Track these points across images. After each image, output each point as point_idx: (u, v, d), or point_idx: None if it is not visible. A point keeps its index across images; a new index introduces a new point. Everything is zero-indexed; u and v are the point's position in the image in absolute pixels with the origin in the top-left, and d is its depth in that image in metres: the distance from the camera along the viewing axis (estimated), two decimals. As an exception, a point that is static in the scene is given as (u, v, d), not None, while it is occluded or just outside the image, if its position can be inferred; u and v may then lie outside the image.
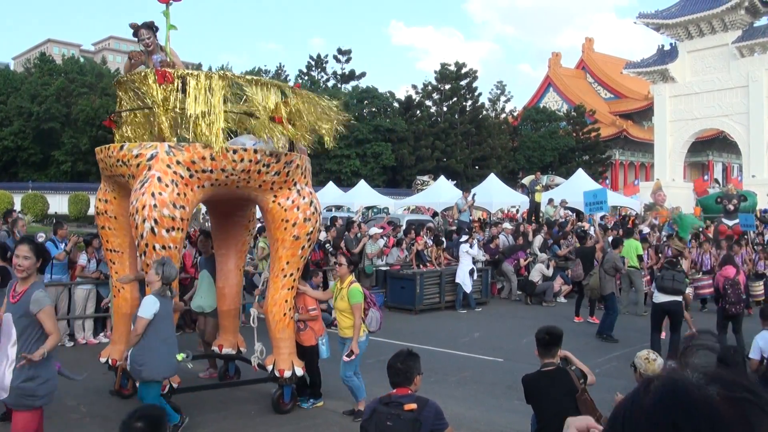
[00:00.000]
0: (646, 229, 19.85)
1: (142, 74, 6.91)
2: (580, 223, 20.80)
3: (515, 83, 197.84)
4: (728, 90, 42.35)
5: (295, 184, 7.40)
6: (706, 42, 43.08)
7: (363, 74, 57.87)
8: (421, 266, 15.18)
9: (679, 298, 10.10)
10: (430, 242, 16.33)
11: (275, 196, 7.28)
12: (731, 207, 22.05)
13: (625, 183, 63.43)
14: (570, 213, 24.14)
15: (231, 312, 8.53)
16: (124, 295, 7.65)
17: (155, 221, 6.47)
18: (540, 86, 78.55)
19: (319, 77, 58.11)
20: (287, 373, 7.35)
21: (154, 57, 7.36)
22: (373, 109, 53.84)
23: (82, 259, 11.22)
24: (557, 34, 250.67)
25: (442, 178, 32.65)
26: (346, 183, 42.92)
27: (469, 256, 15.20)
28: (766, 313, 7.36)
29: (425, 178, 38.28)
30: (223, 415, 7.44)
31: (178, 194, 6.60)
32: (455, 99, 55.15)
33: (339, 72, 57.91)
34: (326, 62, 57.91)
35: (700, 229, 20.03)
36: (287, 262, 7.34)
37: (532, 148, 56.22)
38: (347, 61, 57.63)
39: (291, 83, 52.49)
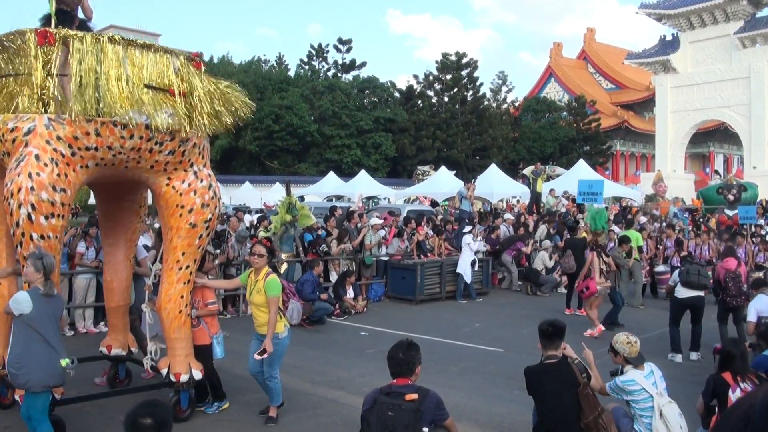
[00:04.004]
0: (643, 219, 19.87)
1: (16, 34, 5.97)
2: (572, 216, 20.74)
3: (515, 71, 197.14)
4: (730, 81, 42.18)
5: (191, 166, 6.65)
6: (708, 32, 42.88)
7: (364, 64, 57.73)
8: (422, 256, 15.18)
9: (703, 293, 10.12)
10: (431, 232, 16.33)
11: (169, 179, 6.55)
12: (731, 197, 22.04)
13: (626, 174, 63.43)
14: (573, 204, 24.11)
15: (120, 309, 7.72)
16: (0, 291, 6.72)
17: (32, 206, 5.63)
18: (541, 77, 78.37)
19: (320, 67, 58.00)
20: (184, 377, 6.64)
21: None
22: (374, 99, 53.73)
23: (81, 247, 11.25)
24: (558, 21, 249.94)
25: (442, 168, 32.65)
26: (346, 173, 42.89)
27: (471, 247, 15.22)
28: (758, 283, 9.05)
29: (426, 168, 38.32)
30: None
31: (59, 175, 5.74)
32: (456, 89, 55.01)
33: (340, 62, 57.76)
34: (327, 51, 57.77)
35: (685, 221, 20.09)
36: (183, 253, 6.60)
37: (533, 138, 56.13)
38: (348, 50, 57.48)
39: (291, 74, 51.73)
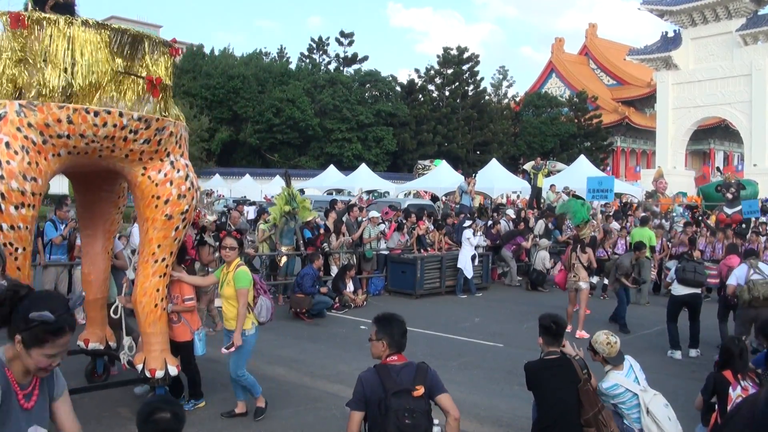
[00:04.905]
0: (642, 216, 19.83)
1: None
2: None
3: (517, 66, 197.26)
4: (731, 78, 42.16)
5: (168, 155, 6.41)
6: (710, 29, 42.83)
7: (365, 58, 57.60)
8: (422, 251, 15.18)
9: (699, 290, 10.15)
10: (431, 227, 16.31)
11: (145, 169, 6.30)
12: (729, 195, 22.00)
13: (626, 170, 63.42)
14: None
15: (98, 302, 7.48)
16: None
17: (2, 196, 5.40)
18: (542, 72, 78.26)
19: (321, 60, 57.87)
20: (159, 373, 6.41)
21: None
22: (375, 93, 53.65)
23: (80, 239, 11.21)
24: (560, 16, 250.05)
25: (443, 162, 32.63)
26: (347, 166, 42.85)
27: (471, 242, 15.21)
28: (749, 253, 9.63)
29: (426, 162, 38.30)
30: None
31: (29, 163, 5.48)
32: (457, 84, 55.00)
33: (341, 55, 57.64)
34: (327, 45, 57.62)
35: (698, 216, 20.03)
36: (158, 245, 6.37)
37: (534, 133, 56.09)
38: (349, 44, 57.35)
39: (292, 67, 51.34)
